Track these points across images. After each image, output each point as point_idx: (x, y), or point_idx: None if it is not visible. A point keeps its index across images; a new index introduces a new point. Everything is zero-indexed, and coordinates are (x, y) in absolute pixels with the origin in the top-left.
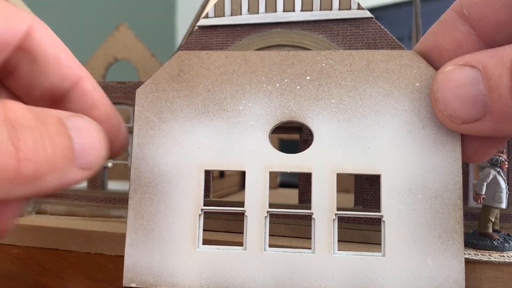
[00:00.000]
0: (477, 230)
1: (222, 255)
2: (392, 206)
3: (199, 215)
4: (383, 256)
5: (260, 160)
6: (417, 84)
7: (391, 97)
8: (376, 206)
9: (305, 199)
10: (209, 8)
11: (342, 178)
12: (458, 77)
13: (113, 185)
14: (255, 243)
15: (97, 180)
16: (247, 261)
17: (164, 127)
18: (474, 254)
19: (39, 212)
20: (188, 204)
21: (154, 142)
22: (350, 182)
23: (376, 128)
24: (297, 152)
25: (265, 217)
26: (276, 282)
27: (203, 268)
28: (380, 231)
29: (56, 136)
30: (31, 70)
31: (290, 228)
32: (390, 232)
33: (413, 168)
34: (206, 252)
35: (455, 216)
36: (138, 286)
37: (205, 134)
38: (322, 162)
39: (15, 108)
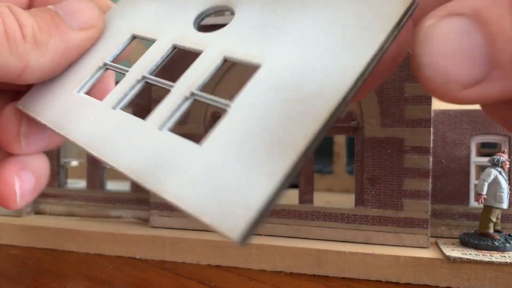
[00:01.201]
0: (478, 230)
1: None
2: (247, 99)
3: (100, 67)
4: (200, 145)
5: (171, 33)
6: None
7: None
8: (377, 206)
9: (306, 200)
10: None
11: (342, 178)
12: (444, 31)
13: (112, 185)
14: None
15: (96, 180)
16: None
17: None
18: (475, 254)
19: (38, 212)
20: (97, 56)
21: None
22: (351, 182)
23: (295, 22)
24: None
25: (139, 80)
26: (101, 140)
27: (67, 113)
28: (382, 230)
29: (41, 14)
30: None
31: (290, 228)
32: (225, 123)
33: (299, 64)
34: (93, 104)
35: (307, 129)
36: (24, 111)
37: (151, 4)
38: (218, 44)
39: None
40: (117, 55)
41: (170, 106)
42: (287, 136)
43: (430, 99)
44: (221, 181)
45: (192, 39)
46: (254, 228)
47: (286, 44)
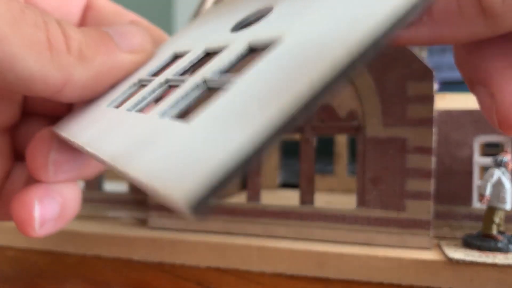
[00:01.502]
0: (481, 231)
1: (120, 117)
2: (254, 69)
3: (134, 84)
4: (187, 123)
5: (206, 41)
6: None
7: None
8: (379, 207)
9: (306, 201)
10: (208, 7)
11: (343, 179)
12: None
13: (109, 186)
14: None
15: (94, 180)
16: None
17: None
18: (478, 256)
19: None
20: (137, 77)
21: None
22: (352, 183)
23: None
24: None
25: (161, 83)
26: (99, 136)
27: (98, 128)
28: (384, 231)
29: (91, 31)
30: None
31: (292, 230)
32: (223, 96)
33: (325, 25)
34: (112, 112)
35: (316, 72)
36: (56, 131)
37: (199, 27)
38: (246, 36)
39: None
40: (155, 72)
41: (176, 95)
42: (287, 87)
43: (433, 98)
44: (193, 149)
45: (223, 39)
46: (212, 191)
47: (316, 14)
